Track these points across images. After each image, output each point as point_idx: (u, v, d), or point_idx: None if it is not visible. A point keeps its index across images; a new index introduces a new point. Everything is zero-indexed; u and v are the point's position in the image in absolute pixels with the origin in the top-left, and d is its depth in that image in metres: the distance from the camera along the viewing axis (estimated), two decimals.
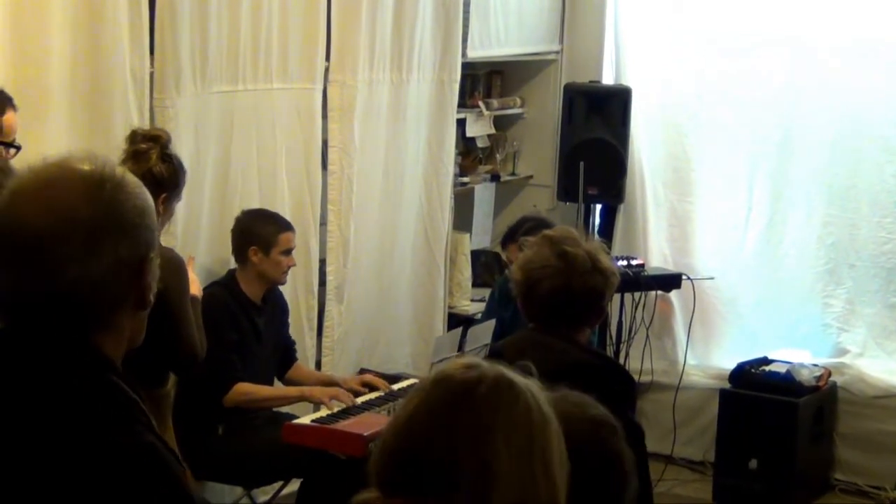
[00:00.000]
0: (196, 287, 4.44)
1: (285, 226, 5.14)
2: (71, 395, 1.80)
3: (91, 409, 1.80)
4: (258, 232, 5.06)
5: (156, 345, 4.05)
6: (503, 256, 6.32)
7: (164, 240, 4.67)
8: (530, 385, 1.89)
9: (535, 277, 3.35)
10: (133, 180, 1.91)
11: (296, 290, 5.57)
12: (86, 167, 1.86)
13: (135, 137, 4.16)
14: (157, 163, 4.10)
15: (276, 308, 5.28)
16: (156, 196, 4.07)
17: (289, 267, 5.15)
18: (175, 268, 4.09)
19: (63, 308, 1.82)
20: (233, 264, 5.20)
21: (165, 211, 4.17)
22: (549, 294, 3.32)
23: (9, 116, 3.84)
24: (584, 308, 3.38)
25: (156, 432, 1.86)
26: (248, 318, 5.08)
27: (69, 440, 1.77)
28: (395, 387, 5.36)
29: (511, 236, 5.90)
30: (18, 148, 3.83)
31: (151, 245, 1.91)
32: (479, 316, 6.28)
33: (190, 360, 4.22)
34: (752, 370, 6.55)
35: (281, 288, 5.29)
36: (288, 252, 5.11)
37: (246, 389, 4.99)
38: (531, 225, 5.75)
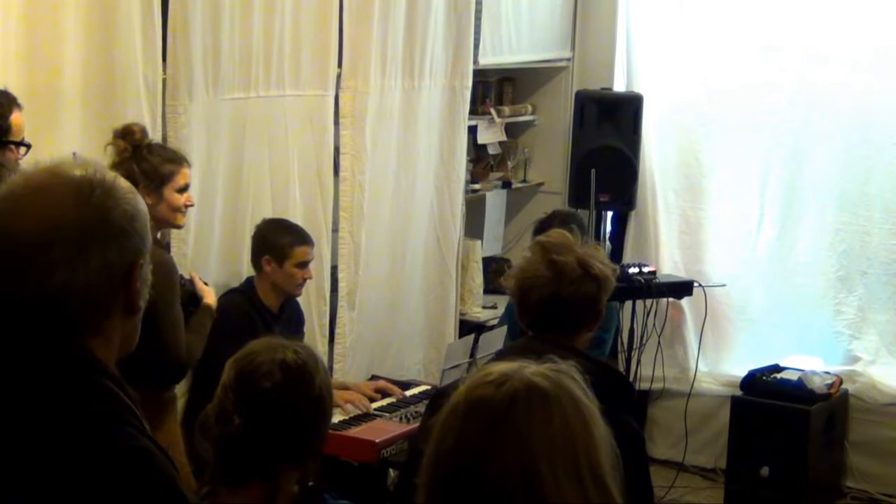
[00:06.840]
0: (211, 297, 4.45)
1: (303, 239, 5.09)
2: (63, 399, 1.81)
3: (83, 413, 1.80)
4: (273, 242, 5.03)
5: (140, 348, 4.08)
6: None
7: (176, 245, 4.70)
8: (564, 384, 1.82)
9: (526, 287, 3.34)
10: (124, 185, 1.90)
11: (308, 297, 5.55)
12: (76, 173, 1.86)
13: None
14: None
15: (292, 318, 5.25)
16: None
17: (304, 280, 5.10)
18: (165, 271, 4.05)
19: (52, 313, 1.83)
20: (245, 270, 5.21)
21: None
22: (539, 303, 3.31)
23: (16, 116, 3.85)
24: (577, 314, 3.34)
25: (149, 435, 1.86)
26: (265, 326, 5.06)
27: (61, 444, 1.77)
28: (408, 393, 5.38)
29: (541, 231, 5.94)
30: (28, 146, 3.85)
31: (141, 251, 1.90)
32: (496, 321, 6.27)
33: (173, 366, 4.18)
34: (764, 377, 6.54)
35: None
36: (303, 265, 5.06)
37: None
38: (561, 218, 5.89)
